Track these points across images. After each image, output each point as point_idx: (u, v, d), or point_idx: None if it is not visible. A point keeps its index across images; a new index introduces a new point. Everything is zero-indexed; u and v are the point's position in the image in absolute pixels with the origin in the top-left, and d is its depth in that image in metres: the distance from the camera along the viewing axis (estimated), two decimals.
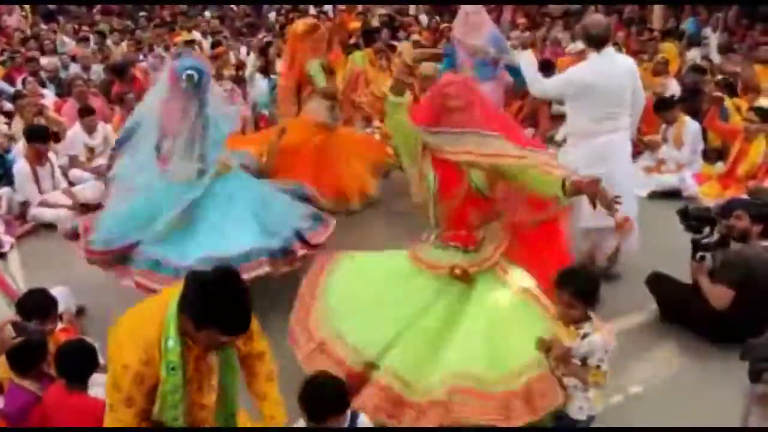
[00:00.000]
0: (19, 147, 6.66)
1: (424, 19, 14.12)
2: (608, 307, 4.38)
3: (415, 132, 3.29)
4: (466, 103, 3.17)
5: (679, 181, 6.45)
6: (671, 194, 6.39)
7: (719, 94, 7.25)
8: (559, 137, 5.06)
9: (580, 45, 9.38)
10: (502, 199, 3.39)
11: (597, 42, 4.44)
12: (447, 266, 3.33)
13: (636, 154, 7.02)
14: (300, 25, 6.03)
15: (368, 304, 3.40)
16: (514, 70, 5.63)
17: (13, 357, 3.08)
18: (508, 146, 3.19)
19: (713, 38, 10.63)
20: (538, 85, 4.73)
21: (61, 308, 4.11)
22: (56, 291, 4.37)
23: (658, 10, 11.85)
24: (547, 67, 7.75)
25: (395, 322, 3.27)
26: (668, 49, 9.23)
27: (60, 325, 3.90)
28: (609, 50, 4.52)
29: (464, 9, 6.25)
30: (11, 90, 8.83)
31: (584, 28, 4.59)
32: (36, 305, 3.55)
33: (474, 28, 5.91)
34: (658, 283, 4.33)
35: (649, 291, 4.36)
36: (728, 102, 7.16)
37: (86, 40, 11.91)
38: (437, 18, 13.17)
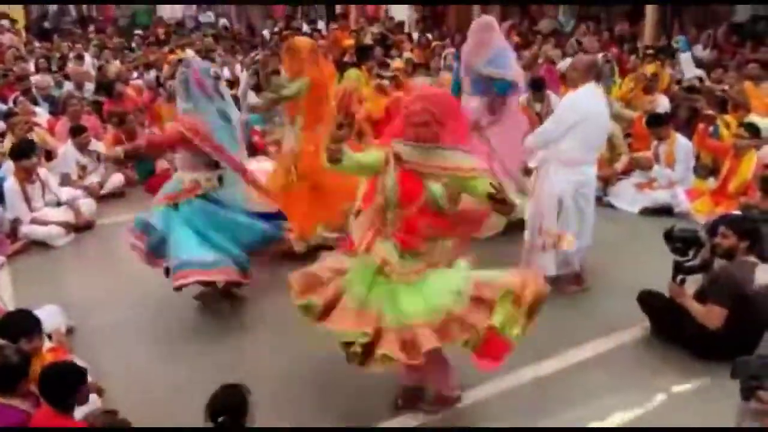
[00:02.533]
0: (10, 165, 6.63)
1: (416, 37, 14.19)
2: (601, 323, 4.44)
3: (376, 155, 3.39)
4: (432, 119, 3.25)
5: (670, 197, 6.47)
6: (663, 211, 6.41)
7: (711, 112, 7.30)
8: (532, 164, 5.14)
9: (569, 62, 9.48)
10: (454, 222, 3.44)
11: (599, 75, 4.81)
12: (379, 257, 3.37)
13: (627, 171, 7.07)
14: (304, 42, 5.81)
15: None
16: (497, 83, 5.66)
17: None
18: (468, 159, 3.31)
19: (698, 53, 10.78)
20: (541, 132, 4.89)
21: (51, 327, 4.09)
22: (46, 309, 4.36)
23: (649, 27, 11.96)
24: (538, 86, 7.80)
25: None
26: (655, 68, 9.27)
27: (49, 345, 3.86)
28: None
29: (473, 25, 6.12)
30: (3, 108, 8.82)
31: (593, 65, 4.84)
32: (17, 326, 3.51)
33: (480, 46, 5.79)
34: (649, 300, 4.33)
35: (640, 308, 4.36)
36: (718, 119, 7.21)
37: (80, 58, 11.94)
38: (428, 36, 13.25)
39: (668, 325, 4.24)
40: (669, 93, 8.57)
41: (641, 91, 8.45)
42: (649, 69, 9.12)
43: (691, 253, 4.06)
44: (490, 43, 5.65)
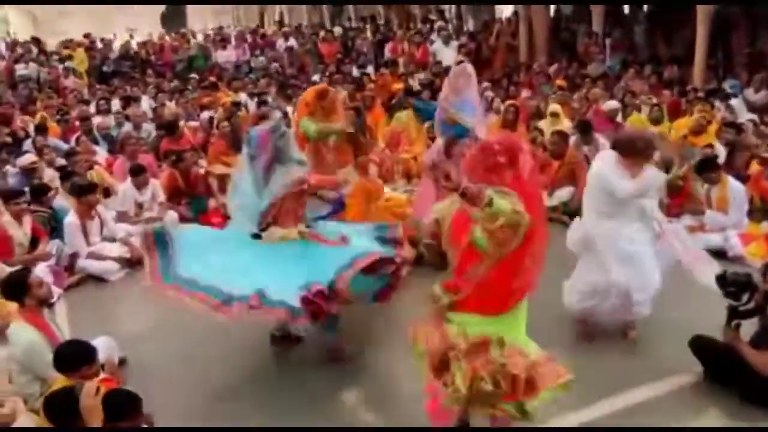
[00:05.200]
0: (66, 201, 6.90)
1: None
2: (655, 368, 4.33)
3: None
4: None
5: (723, 240, 6.30)
6: (716, 254, 6.23)
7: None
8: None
9: (613, 103, 9.52)
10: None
11: None
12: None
13: (678, 213, 6.94)
14: (309, 92, 6.33)
15: None
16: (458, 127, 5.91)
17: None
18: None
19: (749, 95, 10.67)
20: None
21: (104, 358, 4.20)
22: (100, 341, 4.48)
23: (698, 71, 11.86)
24: (586, 128, 7.81)
25: None
26: (708, 110, 9.17)
27: (102, 375, 3.96)
28: None
29: (452, 71, 6.38)
30: (65, 146, 9.23)
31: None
32: (78, 355, 3.63)
33: (453, 90, 6.03)
34: (701, 345, 4.22)
35: (692, 353, 4.26)
36: None
37: (136, 100, 12.45)
38: None
39: (723, 370, 4.13)
40: (720, 138, 8.44)
41: (691, 133, 8.34)
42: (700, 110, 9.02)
43: (744, 297, 3.98)
44: (462, 90, 5.98)
